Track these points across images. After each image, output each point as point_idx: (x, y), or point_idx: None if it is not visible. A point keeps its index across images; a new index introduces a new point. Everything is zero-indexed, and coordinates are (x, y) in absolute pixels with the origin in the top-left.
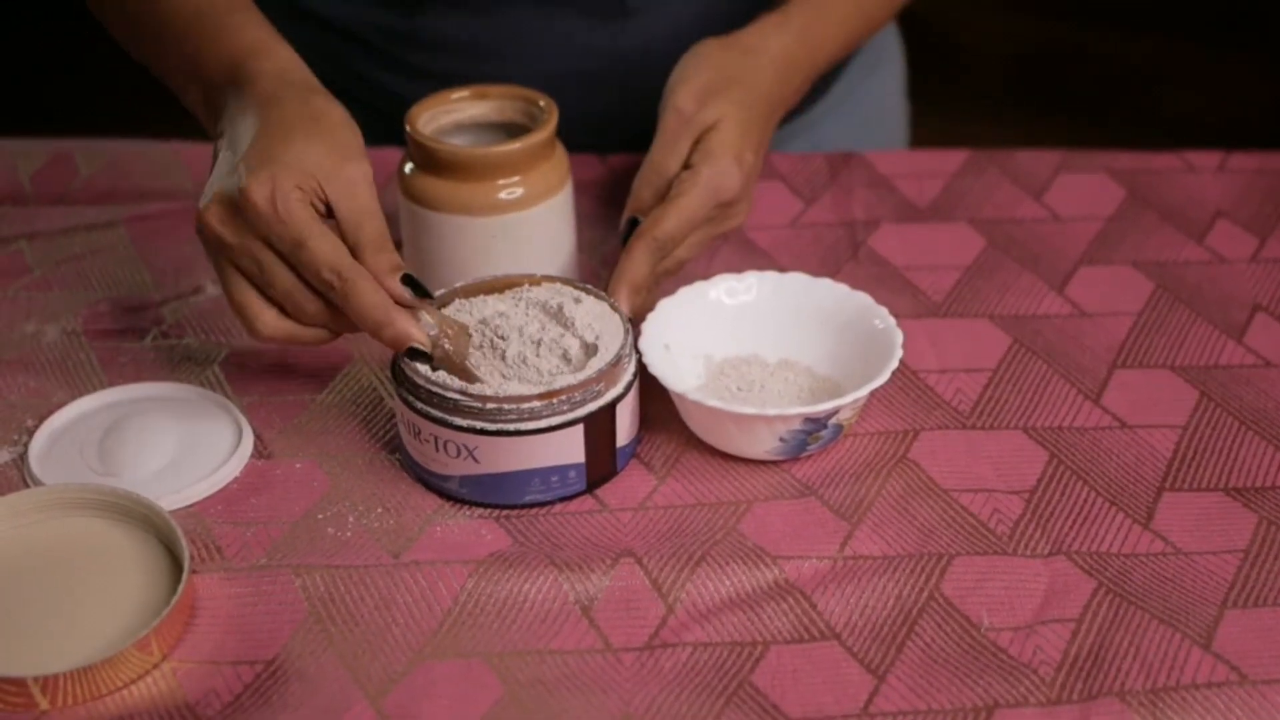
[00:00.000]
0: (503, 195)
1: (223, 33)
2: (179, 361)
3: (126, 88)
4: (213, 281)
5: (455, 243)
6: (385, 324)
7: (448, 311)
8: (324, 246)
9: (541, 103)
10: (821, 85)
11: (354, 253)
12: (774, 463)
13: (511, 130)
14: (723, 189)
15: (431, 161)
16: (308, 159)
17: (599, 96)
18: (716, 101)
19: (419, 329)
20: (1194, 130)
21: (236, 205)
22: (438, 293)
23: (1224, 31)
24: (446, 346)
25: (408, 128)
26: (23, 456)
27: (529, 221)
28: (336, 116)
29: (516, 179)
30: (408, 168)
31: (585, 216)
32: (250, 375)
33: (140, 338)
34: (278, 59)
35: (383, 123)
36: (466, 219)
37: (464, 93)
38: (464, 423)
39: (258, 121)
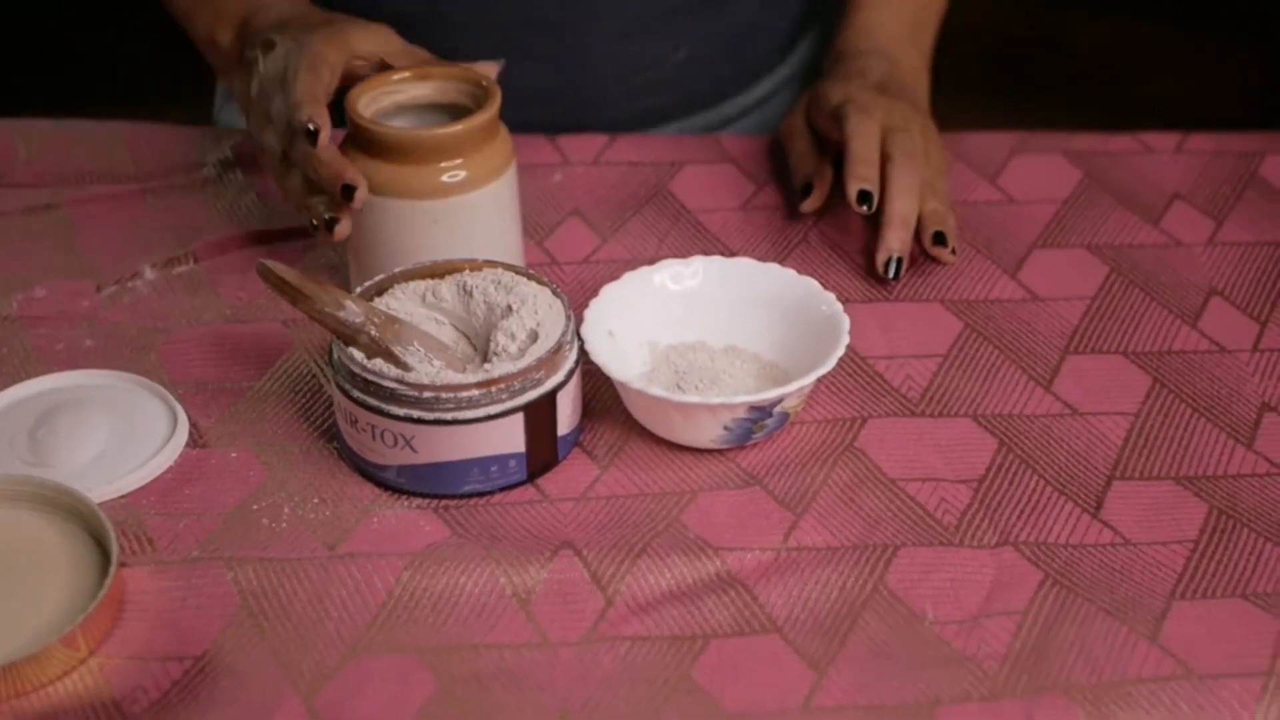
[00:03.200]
0: (445, 178)
1: None
2: (116, 348)
3: (72, 72)
4: (151, 266)
5: (397, 227)
6: (296, 106)
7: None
8: (301, 59)
9: (484, 84)
10: (772, 61)
11: None
12: (719, 451)
13: (455, 112)
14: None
15: (371, 144)
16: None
17: (547, 69)
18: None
19: (325, 119)
20: (1168, 117)
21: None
22: (376, 278)
23: (1199, 18)
24: (372, 334)
25: (347, 110)
26: None
27: (472, 205)
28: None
29: (459, 161)
30: (348, 151)
31: (532, 200)
32: (188, 362)
33: (77, 324)
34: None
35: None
36: (408, 203)
37: (405, 74)
38: (401, 411)
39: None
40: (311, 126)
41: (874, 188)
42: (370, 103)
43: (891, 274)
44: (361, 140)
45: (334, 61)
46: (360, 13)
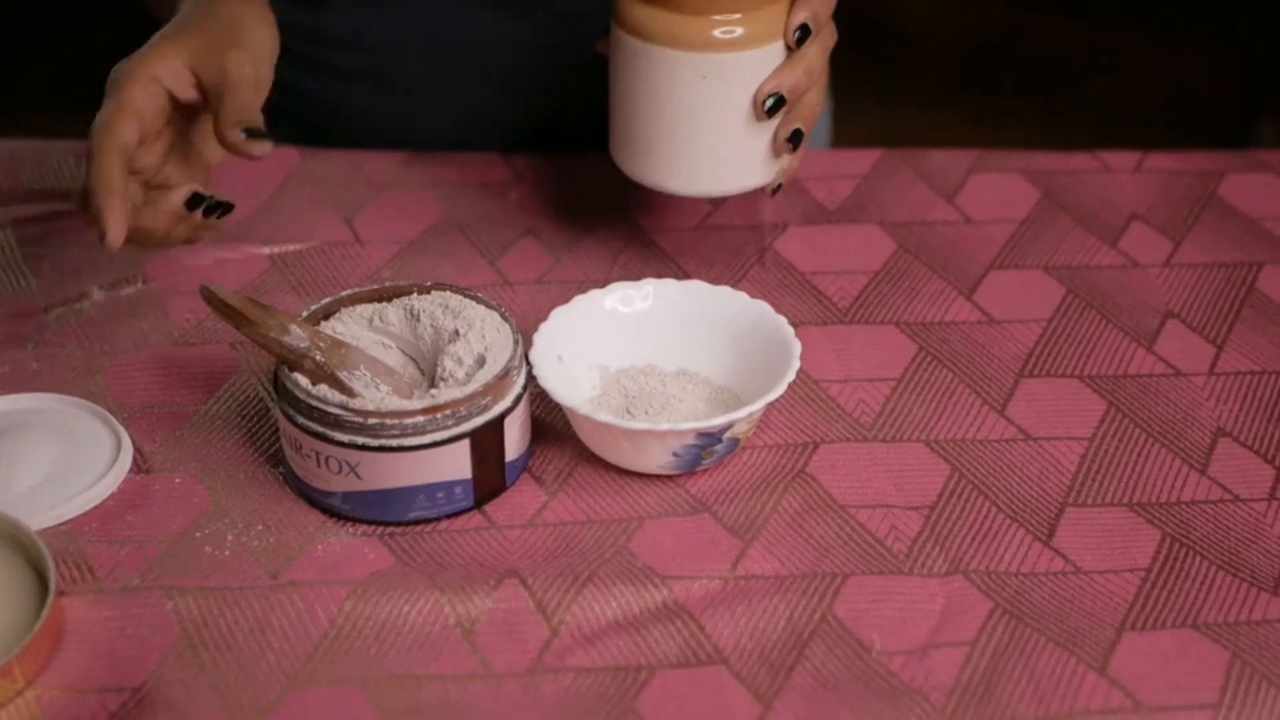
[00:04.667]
0: (718, 33)
1: None
2: (62, 371)
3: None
4: (100, 287)
5: (666, 78)
6: (90, 193)
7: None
8: (107, 110)
9: None
10: None
11: (215, 112)
12: (669, 477)
13: None
14: None
15: None
16: (182, 48)
17: (507, 92)
18: None
19: (117, 220)
20: (1139, 119)
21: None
22: (322, 300)
23: (1167, 21)
24: (318, 359)
25: None
26: None
27: (743, 66)
28: (250, 18)
29: (737, 17)
30: None
31: (485, 218)
32: (135, 386)
33: (22, 346)
34: None
35: (286, 119)
36: (676, 53)
37: None
38: (345, 438)
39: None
40: (101, 231)
41: (818, 30)
42: None
43: (767, 109)
44: None
45: (142, 104)
46: (328, 39)
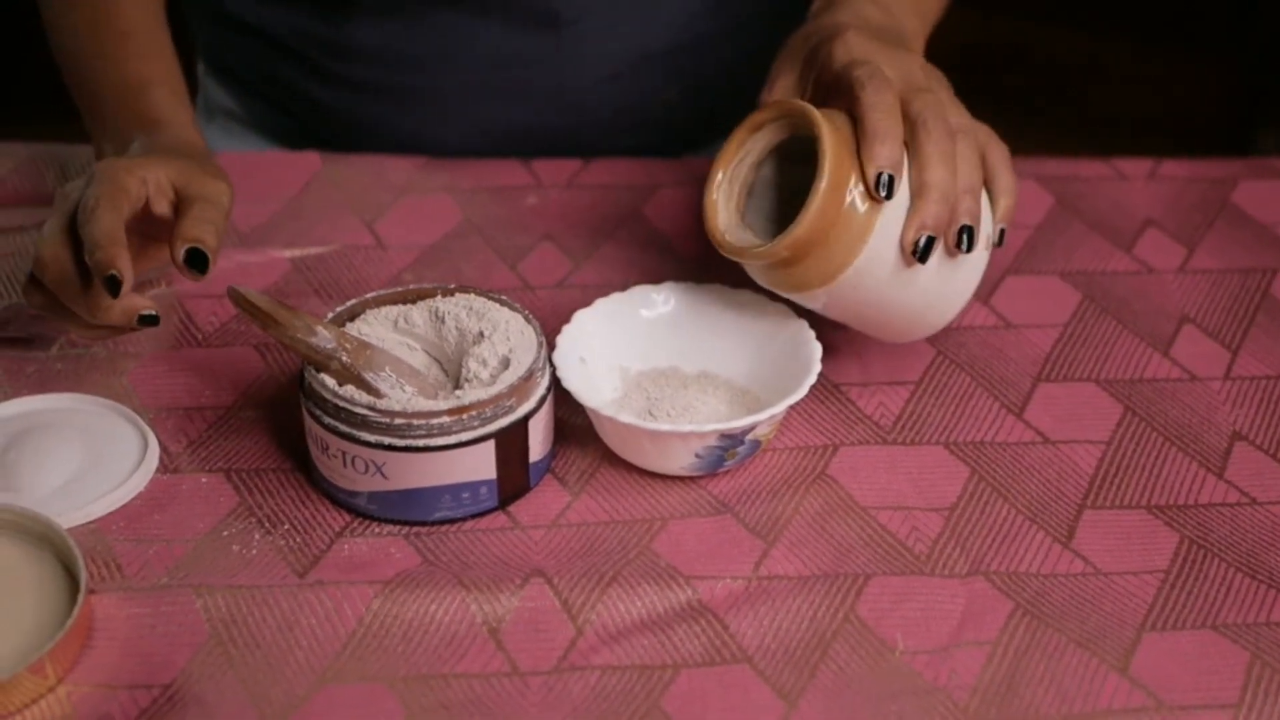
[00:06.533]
0: (853, 202)
1: (136, 101)
2: (87, 372)
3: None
4: None
5: (823, 306)
6: (97, 246)
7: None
8: (102, 187)
9: (808, 112)
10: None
11: (180, 218)
12: (691, 478)
13: (795, 148)
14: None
15: (788, 258)
16: (170, 163)
17: (529, 108)
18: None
19: (128, 265)
20: (1139, 130)
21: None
22: (348, 302)
23: (1169, 32)
24: (344, 360)
25: (717, 242)
26: None
27: (880, 249)
28: (212, 161)
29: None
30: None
31: (504, 223)
32: (161, 386)
33: (48, 347)
34: (175, 127)
35: (301, 128)
36: (820, 290)
37: (737, 139)
38: (372, 438)
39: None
40: (115, 274)
41: (897, 171)
42: (727, 199)
43: (918, 255)
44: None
45: (135, 194)
46: (350, 52)
